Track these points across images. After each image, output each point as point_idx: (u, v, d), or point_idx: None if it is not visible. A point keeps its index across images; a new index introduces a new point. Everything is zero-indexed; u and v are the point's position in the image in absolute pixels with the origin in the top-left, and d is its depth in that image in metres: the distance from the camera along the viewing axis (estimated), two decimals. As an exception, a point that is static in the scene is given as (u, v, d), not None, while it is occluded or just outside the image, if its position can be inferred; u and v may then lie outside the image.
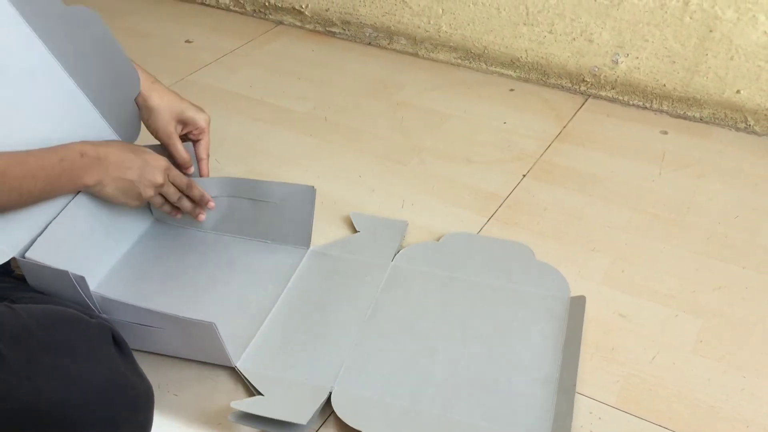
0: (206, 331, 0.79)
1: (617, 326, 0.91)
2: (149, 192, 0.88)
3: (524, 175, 1.19)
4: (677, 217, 1.10)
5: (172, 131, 0.93)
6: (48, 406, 0.61)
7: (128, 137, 0.94)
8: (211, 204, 0.97)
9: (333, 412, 0.80)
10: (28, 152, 0.77)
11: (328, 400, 0.81)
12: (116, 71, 0.89)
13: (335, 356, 0.86)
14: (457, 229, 1.07)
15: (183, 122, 0.94)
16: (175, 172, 0.91)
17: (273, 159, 1.22)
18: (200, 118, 0.94)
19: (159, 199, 0.92)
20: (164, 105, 0.92)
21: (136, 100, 0.91)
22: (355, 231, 1.05)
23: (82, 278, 0.78)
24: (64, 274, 0.77)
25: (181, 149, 0.94)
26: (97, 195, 0.87)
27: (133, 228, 1.00)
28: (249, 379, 0.82)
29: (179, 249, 1.00)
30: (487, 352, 0.87)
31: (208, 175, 0.99)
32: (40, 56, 0.83)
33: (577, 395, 0.82)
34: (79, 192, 0.87)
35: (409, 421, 0.79)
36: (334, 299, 0.93)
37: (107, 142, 0.86)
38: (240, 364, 0.84)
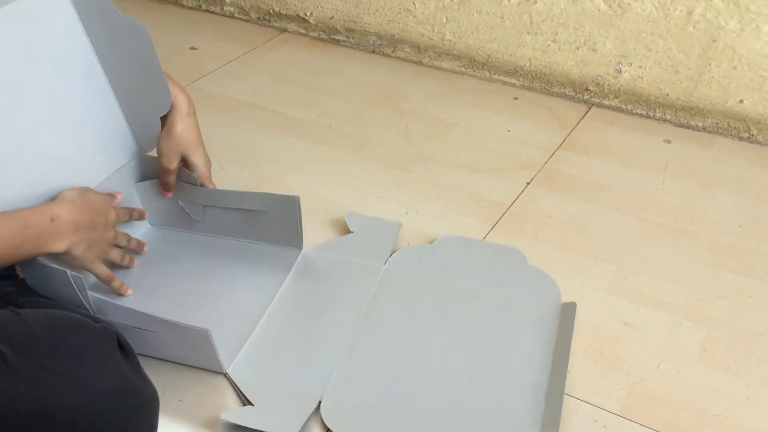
0: (200, 337, 0.78)
1: (622, 335, 0.91)
2: (109, 251, 0.89)
3: (528, 183, 1.19)
4: (681, 226, 1.10)
5: (171, 166, 0.95)
6: (55, 411, 0.61)
7: (144, 149, 0.99)
8: (145, 250, 0.98)
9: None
10: None
11: (319, 407, 0.81)
12: (151, 86, 0.92)
13: (326, 362, 0.85)
14: (462, 236, 1.07)
15: (186, 164, 0.97)
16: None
17: (278, 166, 1.22)
18: (200, 172, 0.97)
19: (116, 252, 0.92)
20: (179, 139, 0.93)
21: (162, 119, 0.94)
22: (348, 231, 1.06)
23: (80, 278, 0.77)
24: (62, 274, 0.77)
25: (169, 183, 0.98)
26: (63, 260, 0.81)
27: (129, 232, 1.00)
28: (240, 387, 0.82)
29: (174, 252, 1.00)
30: (477, 357, 0.87)
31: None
32: (86, 56, 0.88)
33: (581, 403, 0.83)
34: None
35: (398, 429, 0.78)
36: (326, 303, 0.93)
37: (78, 195, 0.83)
38: (231, 370, 0.84)
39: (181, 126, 0.93)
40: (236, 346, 0.87)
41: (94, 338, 0.66)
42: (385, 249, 1.01)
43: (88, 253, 0.83)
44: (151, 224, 1.04)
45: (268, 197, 0.98)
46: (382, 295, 0.94)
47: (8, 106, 0.81)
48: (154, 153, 0.98)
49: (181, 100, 0.93)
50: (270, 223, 0.99)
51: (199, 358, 0.83)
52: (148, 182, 1.00)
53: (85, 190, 0.85)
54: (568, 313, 0.91)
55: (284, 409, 0.79)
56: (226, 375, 0.84)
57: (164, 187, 0.99)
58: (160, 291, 0.94)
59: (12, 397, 0.60)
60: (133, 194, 1.00)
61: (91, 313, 0.80)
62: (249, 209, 0.99)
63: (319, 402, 0.81)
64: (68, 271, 0.77)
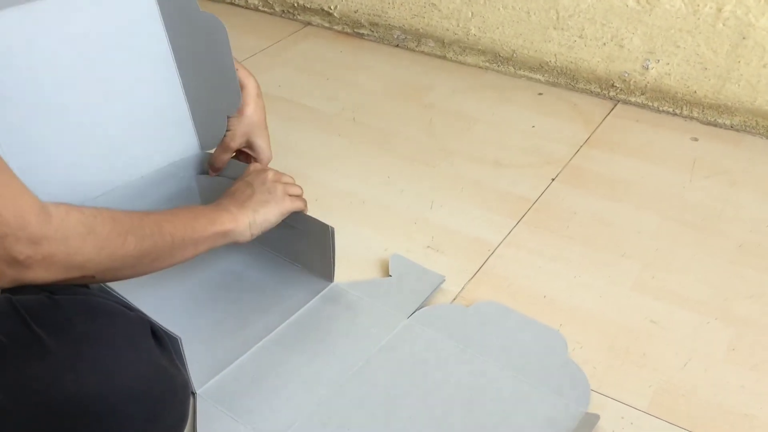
0: (174, 343, 0.74)
1: (648, 332, 0.91)
2: (279, 188, 0.87)
3: (553, 180, 1.19)
4: (708, 225, 1.09)
5: (234, 143, 0.94)
6: (90, 397, 0.61)
7: (205, 146, 0.98)
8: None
9: None
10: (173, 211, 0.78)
11: None
12: (221, 85, 0.92)
13: (293, 412, 0.79)
14: (487, 231, 1.07)
15: (249, 145, 0.96)
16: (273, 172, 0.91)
17: (302, 159, 1.23)
18: (264, 156, 0.97)
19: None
20: (248, 120, 0.93)
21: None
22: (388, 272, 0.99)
23: None
24: None
25: (222, 160, 0.96)
26: (263, 230, 0.86)
27: None
28: (197, 413, 0.78)
29: (213, 252, 0.99)
30: None
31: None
32: (160, 47, 0.88)
33: (608, 399, 0.82)
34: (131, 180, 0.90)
35: None
36: (326, 346, 0.87)
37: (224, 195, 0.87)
38: (201, 392, 0.80)
39: (252, 107, 0.92)
40: (218, 367, 0.83)
41: (128, 326, 0.67)
42: (415, 301, 0.93)
43: (261, 215, 0.85)
44: None
45: (306, 218, 0.92)
46: (388, 352, 0.86)
47: (66, 87, 0.81)
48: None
49: (251, 82, 0.93)
50: (308, 245, 0.95)
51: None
52: (209, 177, 0.99)
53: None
54: (586, 425, 0.78)
55: None
56: (193, 394, 0.80)
57: (217, 163, 0.96)
58: (179, 289, 0.93)
59: (48, 381, 0.61)
60: (192, 187, 0.99)
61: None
62: (290, 225, 0.94)
63: None
64: None
